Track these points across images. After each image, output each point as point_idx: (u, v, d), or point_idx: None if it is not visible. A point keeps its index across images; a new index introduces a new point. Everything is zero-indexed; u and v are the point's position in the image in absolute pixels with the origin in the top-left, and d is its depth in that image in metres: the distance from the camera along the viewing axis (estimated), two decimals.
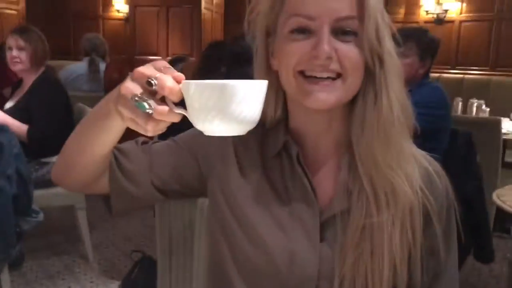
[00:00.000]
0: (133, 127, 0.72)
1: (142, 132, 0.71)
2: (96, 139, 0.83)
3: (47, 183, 2.70)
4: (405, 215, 0.84)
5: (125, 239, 3.31)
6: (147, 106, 0.67)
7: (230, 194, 0.92)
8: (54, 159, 2.83)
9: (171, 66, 0.70)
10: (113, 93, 0.75)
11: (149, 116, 0.68)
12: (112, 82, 3.97)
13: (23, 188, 2.24)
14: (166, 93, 0.67)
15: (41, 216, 2.38)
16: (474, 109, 3.96)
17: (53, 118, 2.76)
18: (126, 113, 0.70)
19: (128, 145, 0.96)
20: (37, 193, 2.44)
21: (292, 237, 0.87)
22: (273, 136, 0.92)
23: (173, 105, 0.69)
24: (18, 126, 2.70)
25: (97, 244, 3.17)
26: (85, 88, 4.13)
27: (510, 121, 3.96)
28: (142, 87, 0.68)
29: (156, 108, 0.67)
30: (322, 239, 0.87)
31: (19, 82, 3.02)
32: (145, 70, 0.69)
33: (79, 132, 0.88)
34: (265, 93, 0.70)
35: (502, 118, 3.25)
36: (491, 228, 2.81)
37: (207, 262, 1.02)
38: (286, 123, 0.92)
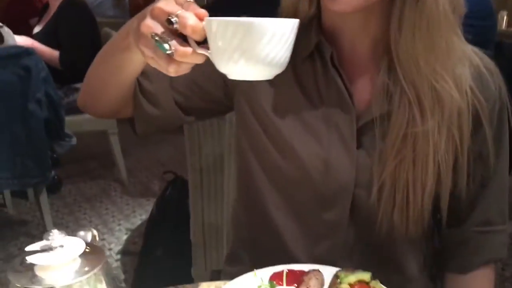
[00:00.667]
0: (154, 65, 0.66)
1: (164, 72, 0.65)
2: (118, 71, 0.79)
3: (79, 109, 2.72)
4: (452, 121, 0.76)
5: (158, 163, 3.35)
6: (167, 47, 0.62)
7: (257, 103, 0.86)
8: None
9: (193, 1, 0.63)
10: (132, 23, 0.68)
11: (170, 58, 0.62)
12: (138, 7, 3.87)
13: (54, 112, 2.24)
14: (188, 32, 0.61)
15: (74, 140, 2.40)
16: None
17: (83, 42, 2.73)
18: (147, 52, 0.64)
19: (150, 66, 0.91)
20: (69, 119, 2.46)
21: (326, 144, 0.82)
22: (304, 36, 0.82)
23: (196, 45, 0.62)
24: (50, 53, 2.68)
25: (131, 169, 3.22)
26: (110, 14, 4.05)
27: None
28: (163, 25, 0.62)
29: (178, 49, 0.61)
30: (359, 146, 0.81)
31: (45, 7, 2.97)
32: (166, 6, 0.62)
33: (101, 63, 0.83)
34: (295, 33, 0.63)
35: None
36: None
37: (237, 176, 0.99)
38: (319, 22, 0.84)
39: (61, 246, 0.63)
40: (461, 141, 0.78)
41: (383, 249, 0.85)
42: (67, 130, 2.40)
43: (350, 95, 0.81)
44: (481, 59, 0.81)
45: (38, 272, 0.61)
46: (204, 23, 0.61)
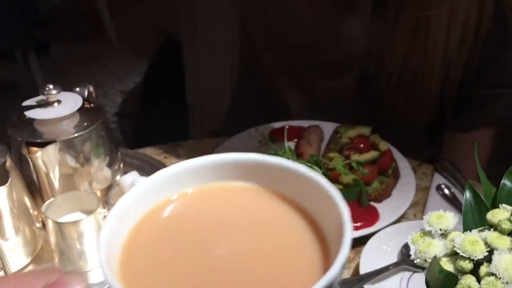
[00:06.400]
0: None
1: None
2: None
3: None
4: (469, 13, 0.71)
5: (148, 25, 3.23)
6: None
7: None
8: None
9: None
10: None
11: None
12: None
13: None
14: None
15: None
16: None
17: None
18: None
19: None
20: None
21: (337, 11, 0.77)
22: None
23: None
24: None
25: (121, 29, 3.09)
26: None
27: None
28: None
29: None
30: (373, 16, 0.76)
31: None
32: None
33: None
34: None
35: None
36: None
37: (237, 35, 0.95)
38: None
39: (59, 101, 0.61)
40: (477, 32, 0.73)
41: (386, 117, 0.84)
42: None
43: None
44: None
45: (38, 127, 0.60)
46: None
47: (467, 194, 0.38)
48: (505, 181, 0.38)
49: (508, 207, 0.35)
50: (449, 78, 0.79)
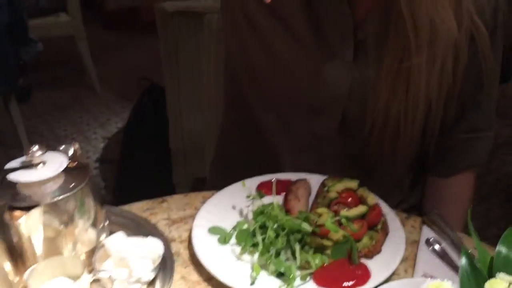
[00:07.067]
0: None
1: None
2: None
3: (43, 12, 2.55)
4: (448, 53, 0.73)
5: (131, 70, 3.24)
6: None
7: (251, 9, 0.80)
8: None
9: None
10: None
11: None
12: None
13: (15, 16, 2.10)
14: None
15: (40, 46, 2.28)
16: None
17: None
18: None
19: None
20: (33, 23, 2.31)
21: (319, 55, 0.79)
22: None
23: None
24: None
25: (103, 76, 3.11)
26: None
27: None
28: None
29: None
30: (355, 59, 0.78)
31: None
32: None
33: None
34: None
35: None
36: None
37: (225, 85, 0.96)
38: None
39: (43, 162, 0.60)
40: (455, 72, 0.76)
41: (369, 163, 0.85)
42: (31, 36, 2.27)
43: (348, 1, 0.76)
44: None
45: (21, 190, 0.59)
46: None
47: (463, 261, 0.38)
48: (500, 248, 0.37)
49: (506, 277, 0.35)
50: (430, 121, 0.80)
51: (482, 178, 0.95)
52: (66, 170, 0.61)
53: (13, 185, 0.58)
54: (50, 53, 2.63)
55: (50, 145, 0.66)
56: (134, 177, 2.06)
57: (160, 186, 1.93)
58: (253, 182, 0.80)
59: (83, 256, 0.62)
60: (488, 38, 0.76)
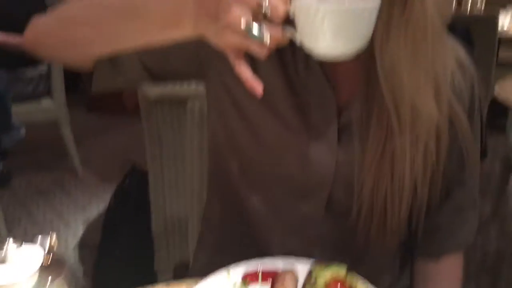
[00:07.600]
0: (230, 51, 0.62)
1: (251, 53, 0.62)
2: (133, 38, 0.70)
3: (26, 97, 2.58)
4: (430, 137, 0.75)
5: (114, 153, 3.25)
6: (262, 35, 0.59)
7: (231, 88, 0.81)
8: (30, 72, 2.68)
9: None
10: (186, 3, 0.62)
11: (262, 43, 0.59)
12: None
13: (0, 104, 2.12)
14: (280, 16, 0.59)
15: (22, 132, 2.29)
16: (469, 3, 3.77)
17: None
18: (231, 43, 0.60)
19: None
20: (16, 108, 2.33)
21: (304, 138, 0.80)
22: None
23: (282, 28, 0.61)
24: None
25: (85, 159, 3.10)
26: None
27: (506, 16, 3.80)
28: (253, 11, 0.58)
29: (272, 35, 0.59)
30: (339, 142, 0.79)
31: None
32: None
33: (107, 23, 0.71)
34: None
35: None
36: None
37: (209, 167, 0.96)
38: None
39: (17, 258, 0.58)
40: (438, 155, 0.77)
41: (358, 246, 0.83)
42: (14, 120, 2.28)
43: (332, 88, 0.78)
44: (456, 60, 0.79)
45: None
46: (297, 7, 0.60)
47: None
48: None
49: None
50: (416, 203, 0.80)
51: (469, 255, 0.95)
52: (42, 267, 0.58)
53: None
54: (32, 137, 2.64)
55: (27, 233, 0.63)
56: (114, 263, 1.99)
57: (141, 272, 1.87)
58: (238, 270, 0.78)
59: None
60: (467, 123, 0.78)
